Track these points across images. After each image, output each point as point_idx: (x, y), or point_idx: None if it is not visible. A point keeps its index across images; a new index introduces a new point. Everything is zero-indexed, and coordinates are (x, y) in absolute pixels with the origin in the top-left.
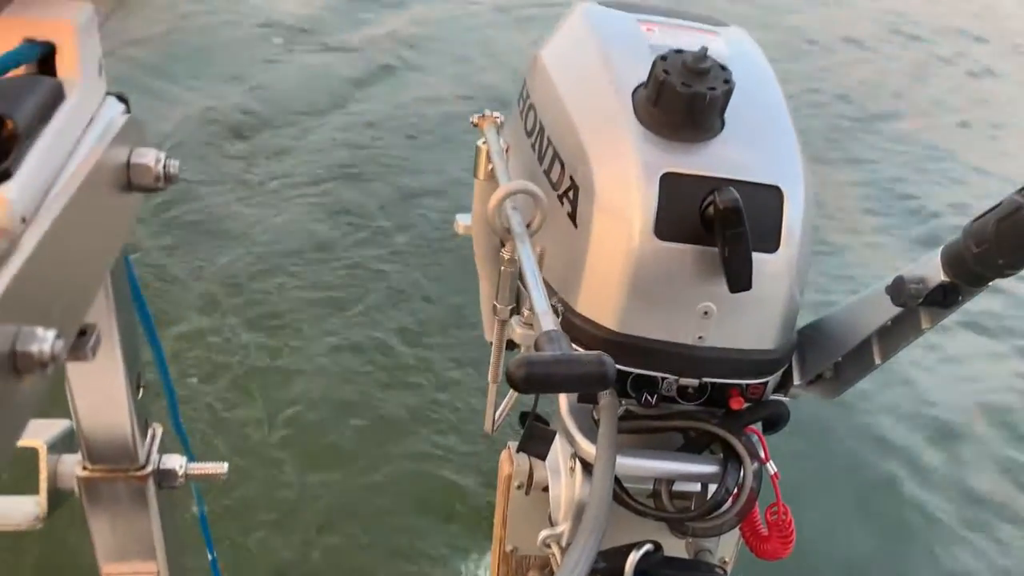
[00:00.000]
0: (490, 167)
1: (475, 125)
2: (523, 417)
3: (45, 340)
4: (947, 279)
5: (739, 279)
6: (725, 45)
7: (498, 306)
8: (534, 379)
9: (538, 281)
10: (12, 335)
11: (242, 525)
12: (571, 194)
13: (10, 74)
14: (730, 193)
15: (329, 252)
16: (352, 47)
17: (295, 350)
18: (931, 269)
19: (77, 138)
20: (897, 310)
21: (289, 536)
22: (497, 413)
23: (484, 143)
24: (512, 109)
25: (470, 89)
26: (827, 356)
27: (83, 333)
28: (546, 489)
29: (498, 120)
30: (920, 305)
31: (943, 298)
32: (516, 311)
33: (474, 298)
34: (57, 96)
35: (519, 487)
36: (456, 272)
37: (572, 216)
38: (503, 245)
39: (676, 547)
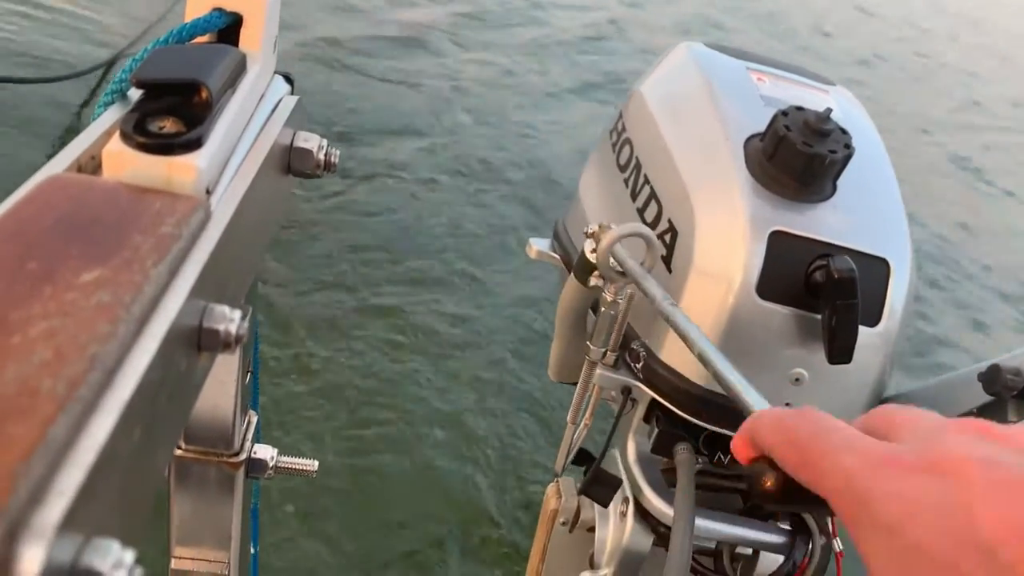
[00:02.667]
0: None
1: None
2: (579, 456)
3: (232, 320)
4: None
5: (842, 351)
6: (835, 105)
7: (592, 348)
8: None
9: (694, 326)
10: (200, 310)
11: None
12: (667, 237)
13: (195, 41)
14: (846, 262)
15: None
16: None
17: None
18: None
19: (251, 113)
20: (986, 398)
21: None
22: (569, 453)
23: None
24: (602, 140)
25: None
26: None
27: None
28: (591, 529)
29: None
30: (1013, 397)
31: None
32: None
33: None
34: (241, 68)
35: (563, 523)
36: None
37: (666, 260)
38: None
39: None
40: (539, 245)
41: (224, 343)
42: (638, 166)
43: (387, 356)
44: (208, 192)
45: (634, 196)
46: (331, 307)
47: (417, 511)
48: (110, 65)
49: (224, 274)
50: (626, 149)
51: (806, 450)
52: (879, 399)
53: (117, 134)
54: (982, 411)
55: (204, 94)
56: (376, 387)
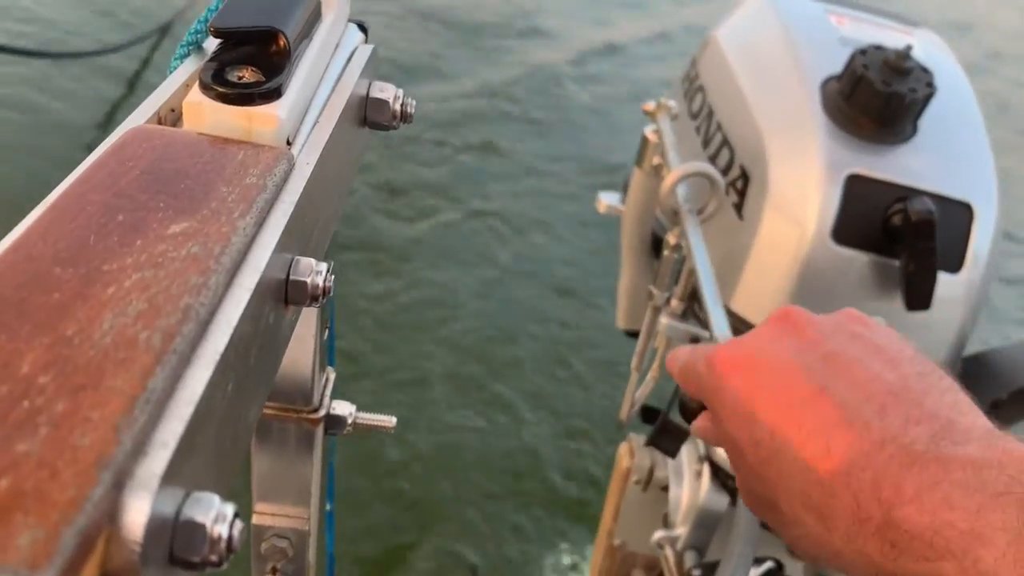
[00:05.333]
0: (655, 161)
1: (648, 113)
2: (645, 411)
3: (319, 272)
4: None
5: (920, 297)
6: (919, 47)
7: (655, 292)
8: None
9: (710, 274)
10: (287, 263)
11: None
12: (739, 184)
13: None
14: (924, 204)
15: None
16: None
17: None
18: None
19: (327, 63)
20: None
21: None
22: (634, 401)
23: (654, 131)
24: (674, 87)
25: None
26: (990, 391)
27: None
28: (665, 488)
29: (673, 110)
30: None
31: None
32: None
33: None
34: (316, 16)
35: (636, 482)
36: None
37: (738, 207)
38: (655, 240)
39: (795, 567)
40: (608, 199)
41: (312, 296)
42: (710, 112)
43: None
44: (288, 143)
45: (706, 143)
46: None
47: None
48: (164, 32)
49: (308, 226)
50: (699, 96)
51: (685, 372)
52: (961, 350)
53: (196, 85)
54: None
55: (282, 42)
56: None
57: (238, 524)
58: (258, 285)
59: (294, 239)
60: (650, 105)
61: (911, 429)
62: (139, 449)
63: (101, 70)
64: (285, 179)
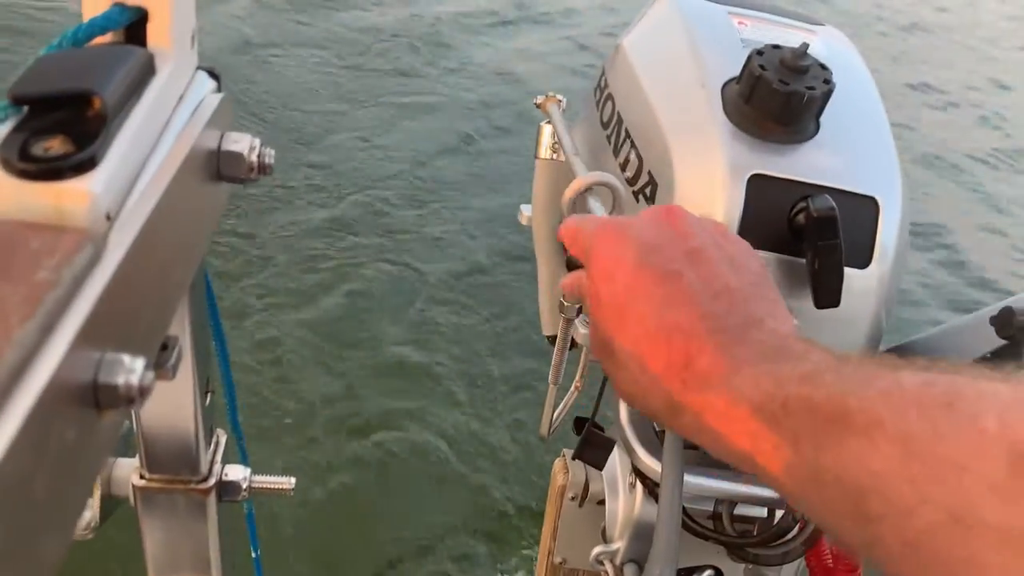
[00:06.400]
0: (552, 144)
1: (538, 106)
2: (578, 423)
3: (132, 371)
4: None
5: (827, 294)
6: (822, 45)
7: (564, 303)
8: None
9: None
10: (95, 363)
11: None
12: (648, 190)
13: (95, 42)
14: (826, 201)
15: None
16: None
17: None
18: None
19: (166, 119)
20: (999, 342)
21: None
22: (555, 415)
23: (547, 123)
24: (588, 100)
25: None
26: None
27: (164, 347)
28: (601, 502)
29: (561, 101)
30: None
31: None
32: (581, 309)
33: None
34: (147, 70)
35: (572, 498)
36: None
37: None
38: None
39: (734, 572)
40: (530, 212)
41: (126, 398)
42: (619, 121)
43: None
44: (109, 218)
45: (616, 152)
46: None
47: None
48: None
49: (129, 312)
50: (608, 105)
51: (575, 234)
52: (878, 343)
53: None
54: (995, 356)
55: (97, 104)
56: None
57: None
58: (37, 405)
59: (106, 333)
60: (539, 99)
61: (731, 317)
62: None
63: None
64: (89, 268)
